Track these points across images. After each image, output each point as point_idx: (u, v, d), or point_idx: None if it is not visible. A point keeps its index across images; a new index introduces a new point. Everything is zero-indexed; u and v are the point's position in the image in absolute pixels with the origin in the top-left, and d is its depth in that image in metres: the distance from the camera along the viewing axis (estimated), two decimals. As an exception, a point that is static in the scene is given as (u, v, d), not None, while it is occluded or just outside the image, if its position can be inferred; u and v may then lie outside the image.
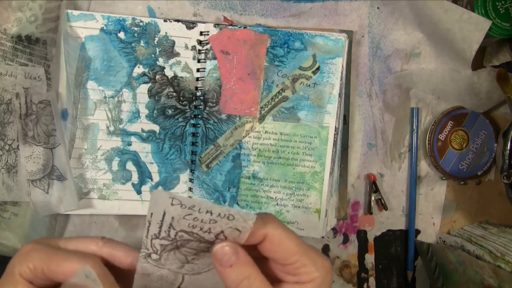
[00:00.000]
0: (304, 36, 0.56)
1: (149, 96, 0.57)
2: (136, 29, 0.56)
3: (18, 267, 0.33)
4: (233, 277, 0.33)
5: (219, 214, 0.33)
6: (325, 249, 0.62)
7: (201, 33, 0.57)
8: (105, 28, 0.56)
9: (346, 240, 0.62)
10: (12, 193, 0.55)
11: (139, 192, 0.58)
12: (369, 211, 0.61)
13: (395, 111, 0.61)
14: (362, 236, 0.62)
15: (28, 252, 0.33)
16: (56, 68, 0.55)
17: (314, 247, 0.35)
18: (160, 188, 0.54)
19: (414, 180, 0.61)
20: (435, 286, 0.61)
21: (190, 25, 0.57)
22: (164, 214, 0.33)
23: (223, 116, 0.57)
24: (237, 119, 0.57)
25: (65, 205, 0.55)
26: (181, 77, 0.57)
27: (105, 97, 0.56)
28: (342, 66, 0.57)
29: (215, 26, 0.56)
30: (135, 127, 0.57)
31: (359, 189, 0.62)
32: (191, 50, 0.57)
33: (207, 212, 0.33)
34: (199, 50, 0.57)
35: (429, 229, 0.62)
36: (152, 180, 0.58)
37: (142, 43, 0.56)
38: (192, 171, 0.58)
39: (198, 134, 0.57)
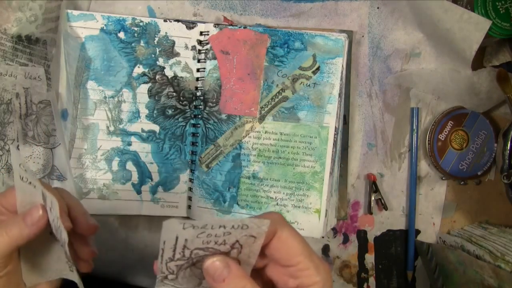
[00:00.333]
0: (304, 36, 0.56)
1: (149, 96, 0.57)
2: (136, 29, 0.56)
3: None
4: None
5: (233, 226, 0.33)
6: (325, 249, 0.62)
7: (201, 33, 0.57)
8: (105, 28, 0.56)
9: (346, 240, 0.62)
10: (12, 193, 0.55)
11: (139, 192, 0.58)
12: (369, 211, 0.61)
13: (395, 111, 0.61)
14: (362, 236, 0.62)
15: None
16: (56, 68, 0.55)
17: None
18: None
19: (414, 180, 0.61)
20: (435, 286, 0.61)
21: (190, 25, 0.57)
22: (177, 238, 0.33)
23: (223, 116, 0.57)
24: (237, 119, 0.57)
25: (65, 205, 0.55)
26: (181, 77, 0.57)
27: (105, 97, 0.56)
28: (342, 66, 0.57)
29: (215, 26, 0.56)
30: (135, 127, 0.57)
31: (359, 189, 0.62)
32: (191, 50, 0.57)
33: (220, 227, 0.32)
34: (199, 50, 0.57)
35: (429, 229, 0.62)
36: (152, 180, 0.58)
37: (142, 43, 0.56)
38: (192, 171, 0.58)
39: (198, 134, 0.57)
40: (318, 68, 0.57)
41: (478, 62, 0.59)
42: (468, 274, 0.54)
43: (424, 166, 0.62)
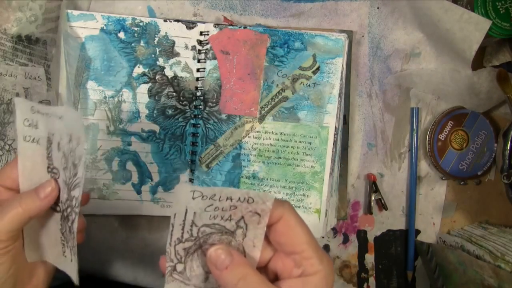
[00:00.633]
0: (304, 36, 0.56)
1: (149, 96, 0.57)
2: (136, 29, 0.56)
3: None
4: (230, 279, 0.33)
5: (239, 199, 0.34)
6: (325, 249, 0.62)
7: (201, 33, 0.57)
8: (105, 28, 0.56)
9: (346, 240, 0.62)
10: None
11: (139, 192, 0.58)
12: (369, 211, 0.61)
13: (395, 111, 0.61)
14: (362, 236, 0.62)
15: None
16: (56, 68, 0.55)
17: None
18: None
19: (414, 180, 0.61)
20: (435, 286, 0.61)
21: (190, 25, 0.57)
22: (186, 212, 0.34)
23: (223, 116, 0.57)
24: (237, 119, 0.57)
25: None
26: (181, 77, 0.57)
27: (105, 97, 0.56)
28: (342, 66, 0.57)
29: (215, 26, 0.56)
30: (135, 127, 0.57)
31: (359, 189, 0.62)
32: (191, 50, 0.57)
33: (227, 199, 0.34)
34: (199, 50, 0.57)
35: (429, 229, 0.62)
36: (152, 180, 0.58)
37: (142, 43, 0.56)
38: (192, 171, 0.58)
39: (198, 134, 0.57)
40: (318, 68, 0.57)
41: (478, 62, 0.59)
42: (468, 274, 0.54)
43: (424, 166, 0.62)
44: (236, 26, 0.57)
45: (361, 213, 0.62)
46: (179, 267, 0.36)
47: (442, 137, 0.60)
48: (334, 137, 0.57)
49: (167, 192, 0.58)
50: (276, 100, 0.57)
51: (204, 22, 0.57)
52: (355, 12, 0.59)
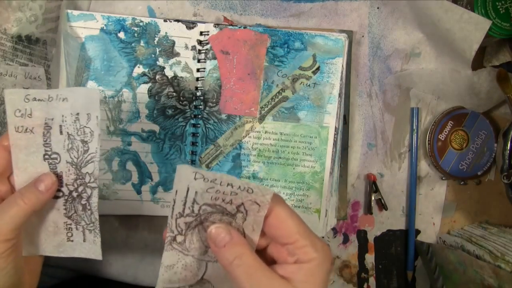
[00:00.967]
0: (304, 36, 0.56)
1: (149, 96, 0.57)
2: (136, 29, 0.56)
3: None
4: (226, 256, 0.34)
5: (239, 187, 0.35)
6: (325, 249, 0.62)
7: (201, 33, 0.57)
8: (105, 28, 0.56)
9: (346, 240, 0.62)
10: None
11: (139, 192, 0.58)
12: (369, 211, 0.61)
13: (395, 111, 0.61)
14: (362, 236, 0.62)
15: None
16: (56, 68, 0.55)
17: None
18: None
19: (414, 180, 0.61)
20: (435, 286, 0.61)
21: (190, 25, 0.57)
22: (188, 189, 0.36)
23: (223, 116, 0.57)
24: (237, 119, 0.57)
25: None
26: (181, 77, 0.57)
27: (105, 97, 0.56)
28: (342, 66, 0.57)
29: (215, 26, 0.56)
30: (135, 127, 0.57)
31: (359, 189, 0.62)
32: (191, 50, 0.57)
33: (228, 185, 0.35)
34: (199, 50, 0.57)
35: (429, 229, 0.62)
36: (152, 180, 0.58)
37: (142, 43, 0.56)
38: (192, 171, 0.58)
39: (198, 134, 0.57)
40: (318, 68, 0.57)
41: (478, 62, 0.59)
42: (468, 274, 0.54)
43: (424, 166, 0.62)
44: (236, 26, 0.57)
45: (361, 213, 0.62)
46: (179, 238, 0.37)
47: (442, 137, 0.60)
48: (334, 137, 0.57)
49: (167, 192, 0.58)
50: (276, 100, 0.57)
51: (204, 22, 0.57)
52: (355, 12, 0.59)
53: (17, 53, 0.56)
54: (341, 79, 0.57)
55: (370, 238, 0.62)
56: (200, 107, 0.57)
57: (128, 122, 0.57)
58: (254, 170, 0.57)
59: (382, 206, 0.61)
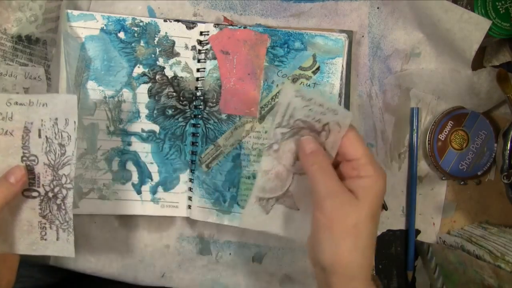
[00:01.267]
0: (304, 36, 0.56)
1: (149, 96, 0.57)
2: (136, 29, 0.56)
3: None
4: (310, 161, 0.43)
5: (328, 108, 0.44)
6: (325, 249, 0.62)
7: (201, 33, 0.57)
8: (105, 28, 0.56)
9: (346, 240, 0.62)
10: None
11: (139, 192, 0.58)
12: (369, 211, 0.61)
13: (395, 111, 0.61)
14: (362, 236, 0.62)
15: None
16: (56, 68, 0.55)
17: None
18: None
19: (414, 180, 0.61)
20: (435, 286, 0.61)
21: (190, 25, 0.57)
22: (288, 105, 0.44)
23: (223, 116, 0.57)
24: (237, 119, 0.57)
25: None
26: (181, 77, 0.57)
27: (105, 97, 0.56)
28: (342, 66, 0.57)
29: (215, 26, 0.56)
30: (135, 127, 0.57)
31: (359, 189, 0.61)
32: (191, 50, 0.57)
33: (320, 105, 0.44)
34: (199, 50, 0.57)
35: (429, 229, 0.62)
36: (152, 180, 0.58)
37: (142, 43, 0.56)
38: (192, 171, 0.58)
39: (198, 134, 0.57)
40: (318, 68, 0.57)
41: (478, 62, 0.59)
42: (468, 274, 0.54)
43: (424, 166, 0.62)
44: (236, 26, 0.57)
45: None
46: (275, 146, 0.46)
47: (442, 137, 0.60)
48: (334, 137, 0.57)
49: (167, 192, 0.58)
50: (276, 100, 0.57)
51: (204, 22, 0.57)
52: (355, 12, 0.59)
53: (17, 53, 0.56)
54: (341, 79, 0.57)
55: (370, 238, 0.62)
56: (200, 107, 0.57)
57: (128, 122, 0.57)
58: (254, 170, 0.57)
59: (382, 206, 0.61)
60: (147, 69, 0.57)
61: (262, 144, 0.57)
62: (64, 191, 0.45)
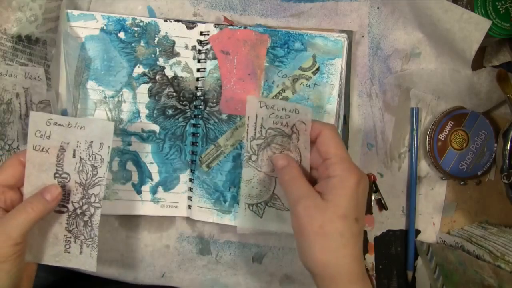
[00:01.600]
0: (304, 36, 0.56)
1: (149, 96, 0.57)
2: (136, 29, 0.56)
3: None
4: (282, 175, 0.47)
5: (290, 110, 0.48)
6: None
7: (201, 33, 0.57)
8: (105, 28, 0.56)
9: (346, 240, 0.62)
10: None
11: (139, 192, 0.58)
12: (369, 211, 0.61)
13: (395, 111, 0.61)
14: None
15: None
16: (56, 68, 0.55)
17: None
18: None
19: (414, 180, 0.61)
20: (435, 286, 0.61)
21: (190, 25, 0.57)
22: (257, 116, 0.49)
23: (224, 116, 0.57)
24: (237, 119, 0.57)
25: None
26: (181, 77, 0.57)
27: (105, 97, 0.56)
28: (341, 66, 0.57)
29: (215, 26, 0.56)
30: (135, 127, 0.57)
31: (359, 189, 0.61)
32: (191, 50, 0.57)
33: (283, 109, 0.48)
34: (199, 50, 0.57)
35: (429, 229, 0.62)
36: (152, 180, 0.58)
37: (142, 43, 0.56)
38: (192, 171, 0.58)
39: (198, 134, 0.57)
40: (318, 69, 0.57)
41: (478, 62, 0.59)
42: (468, 274, 0.54)
43: (424, 166, 0.62)
44: (236, 26, 0.57)
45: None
46: (253, 157, 0.50)
47: (442, 137, 0.60)
48: (334, 137, 0.57)
49: (167, 192, 0.58)
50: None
51: (204, 22, 0.57)
52: (355, 12, 0.59)
53: (17, 53, 0.56)
54: (340, 80, 0.57)
55: (370, 238, 0.62)
56: (200, 107, 0.57)
57: (128, 122, 0.57)
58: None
59: (382, 206, 0.61)
60: (147, 69, 0.57)
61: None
62: (92, 209, 0.48)
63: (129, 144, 0.57)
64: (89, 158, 0.47)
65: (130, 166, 0.57)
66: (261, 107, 0.48)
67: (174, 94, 0.57)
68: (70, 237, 0.48)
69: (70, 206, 0.48)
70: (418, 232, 0.62)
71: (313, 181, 0.48)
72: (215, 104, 0.57)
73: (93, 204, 0.48)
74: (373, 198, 0.61)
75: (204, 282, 0.61)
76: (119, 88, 0.56)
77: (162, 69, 0.57)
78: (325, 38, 0.56)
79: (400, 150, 0.61)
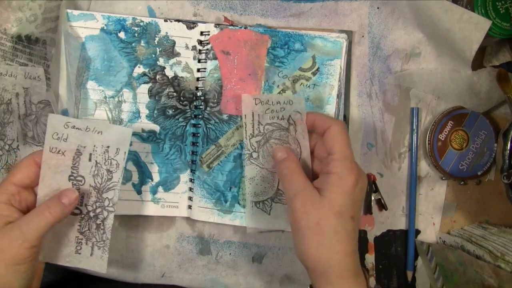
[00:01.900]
0: (304, 37, 0.56)
1: (150, 96, 0.57)
2: (136, 29, 0.56)
3: None
4: (281, 168, 0.47)
5: (284, 102, 0.50)
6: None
7: (201, 33, 0.57)
8: (105, 28, 0.56)
9: (346, 240, 0.62)
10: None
11: (139, 192, 0.58)
12: (369, 211, 0.61)
13: (395, 111, 0.61)
14: (362, 236, 0.62)
15: None
16: (55, 68, 0.55)
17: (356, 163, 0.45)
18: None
19: (414, 180, 0.61)
20: (435, 286, 0.61)
21: (191, 25, 0.57)
22: (253, 114, 0.50)
23: (224, 117, 0.57)
24: (238, 119, 0.57)
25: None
26: (182, 77, 0.57)
27: (105, 97, 0.56)
28: (341, 67, 0.57)
29: (215, 26, 0.56)
30: (135, 127, 0.57)
31: (359, 189, 0.61)
32: (191, 50, 0.57)
33: (277, 103, 0.50)
34: (200, 50, 0.57)
35: (429, 229, 0.62)
36: (152, 180, 0.58)
37: (142, 43, 0.56)
38: (192, 171, 0.58)
39: (198, 134, 0.57)
40: (318, 69, 0.57)
41: (478, 62, 0.59)
42: (468, 274, 0.54)
43: (424, 166, 0.62)
44: (236, 26, 0.57)
45: (361, 213, 0.62)
46: (254, 154, 0.51)
47: (442, 137, 0.60)
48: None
49: (168, 192, 0.58)
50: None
51: (204, 22, 0.57)
52: (355, 12, 0.59)
53: (17, 53, 0.56)
54: (340, 81, 0.57)
55: (370, 238, 0.62)
56: (201, 107, 0.57)
57: (128, 122, 0.57)
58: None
59: (382, 206, 0.61)
60: (148, 69, 0.56)
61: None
62: (105, 213, 0.49)
63: (130, 144, 0.57)
64: (104, 163, 0.48)
65: (130, 166, 0.57)
66: (256, 104, 0.50)
67: (175, 94, 0.57)
68: (81, 239, 0.49)
69: (84, 209, 0.49)
70: (418, 232, 0.62)
71: (315, 174, 0.49)
72: (215, 104, 0.57)
73: (106, 207, 0.49)
74: (373, 198, 0.61)
75: (204, 282, 0.61)
76: (119, 88, 0.56)
77: (162, 69, 0.57)
78: (325, 39, 0.56)
79: (400, 150, 0.62)
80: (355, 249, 0.44)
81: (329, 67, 0.57)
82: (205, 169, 0.57)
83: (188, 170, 0.58)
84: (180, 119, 0.57)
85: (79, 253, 0.49)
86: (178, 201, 0.58)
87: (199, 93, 0.57)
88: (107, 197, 0.49)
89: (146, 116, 0.57)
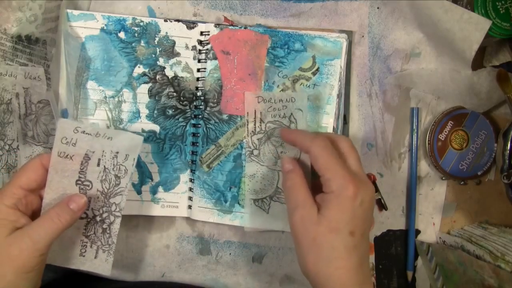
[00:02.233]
0: (304, 37, 0.56)
1: (150, 96, 0.57)
2: (136, 29, 0.56)
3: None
4: (287, 177, 0.47)
5: (286, 99, 0.51)
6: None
7: (201, 33, 0.57)
8: (105, 28, 0.56)
9: (346, 240, 0.62)
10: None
11: (139, 192, 0.58)
12: (369, 211, 0.61)
13: (395, 111, 0.61)
14: (362, 236, 0.62)
15: None
16: (55, 68, 0.55)
17: (353, 173, 0.44)
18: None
19: (414, 180, 0.61)
20: (435, 286, 0.61)
21: (191, 25, 0.57)
22: (255, 111, 0.51)
23: (224, 117, 0.57)
24: (238, 119, 0.57)
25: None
26: (182, 77, 0.57)
27: (105, 97, 0.56)
28: (341, 67, 0.57)
29: (215, 26, 0.56)
30: (135, 127, 0.57)
31: (359, 189, 0.61)
32: (191, 50, 0.57)
33: (279, 100, 0.51)
34: (200, 50, 0.57)
35: (429, 229, 0.62)
36: (152, 180, 0.58)
37: (142, 43, 0.56)
38: (192, 171, 0.58)
39: (198, 134, 0.57)
40: (318, 69, 0.57)
41: (478, 62, 0.59)
42: (468, 274, 0.54)
43: (424, 166, 0.62)
44: (236, 26, 0.57)
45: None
46: (255, 152, 0.52)
47: (442, 137, 0.60)
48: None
49: (168, 192, 0.58)
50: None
51: (204, 22, 0.57)
52: (355, 12, 0.59)
53: (17, 53, 0.56)
54: (339, 81, 0.57)
55: (370, 238, 0.62)
56: (201, 107, 0.57)
57: (128, 122, 0.57)
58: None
59: (382, 206, 0.61)
60: (148, 69, 0.57)
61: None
62: (112, 218, 0.49)
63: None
64: (113, 168, 0.48)
65: (130, 166, 0.57)
66: (258, 102, 0.51)
67: (175, 94, 0.57)
68: (86, 242, 0.49)
69: (90, 213, 0.49)
70: (418, 232, 0.62)
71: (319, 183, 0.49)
72: (215, 104, 0.57)
73: (113, 212, 0.49)
74: (373, 198, 0.61)
75: (204, 282, 0.61)
76: (119, 88, 0.56)
77: (162, 69, 0.57)
78: (325, 39, 0.56)
79: (400, 150, 0.62)
80: (359, 263, 0.43)
81: (329, 67, 0.57)
82: (205, 169, 0.57)
83: (188, 170, 0.58)
84: (180, 119, 0.58)
85: (83, 256, 0.49)
86: (178, 201, 0.58)
87: (199, 93, 0.57)
88: (114, 202, 0.49)
89: (146, 116, 0.57)
